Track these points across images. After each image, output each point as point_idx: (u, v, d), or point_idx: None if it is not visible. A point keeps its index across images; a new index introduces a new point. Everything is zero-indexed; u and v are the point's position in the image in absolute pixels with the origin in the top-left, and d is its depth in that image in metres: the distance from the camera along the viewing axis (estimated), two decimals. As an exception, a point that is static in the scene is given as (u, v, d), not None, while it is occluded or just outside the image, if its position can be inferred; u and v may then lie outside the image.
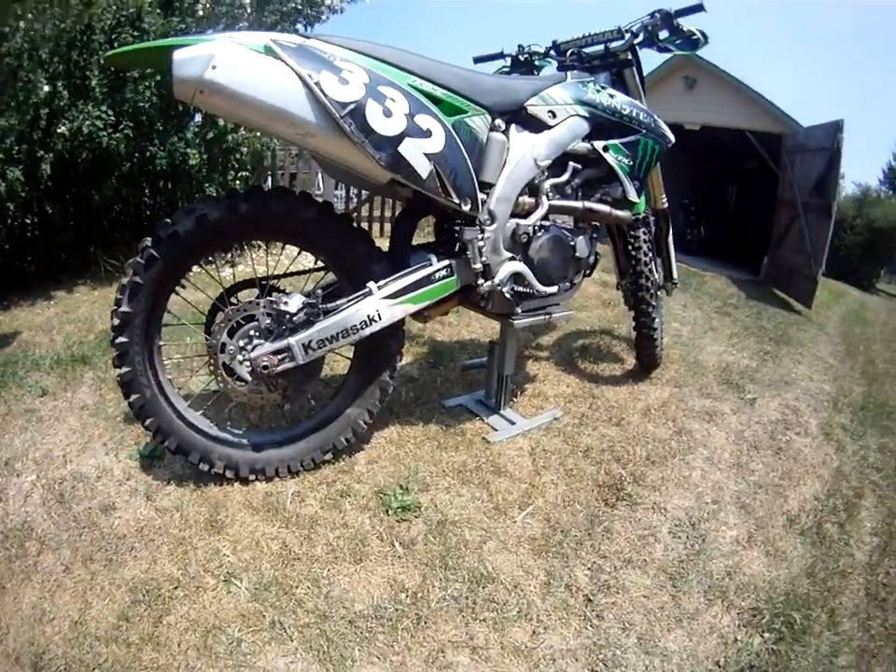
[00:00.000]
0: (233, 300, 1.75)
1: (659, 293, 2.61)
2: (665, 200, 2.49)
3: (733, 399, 2.64)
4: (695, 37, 1.97)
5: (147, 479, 1.69)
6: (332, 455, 1.75)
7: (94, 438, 1.90)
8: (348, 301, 1.61)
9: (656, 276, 2.50)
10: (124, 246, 4.09)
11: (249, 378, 1.60)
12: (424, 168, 1.54)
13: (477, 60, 2.43)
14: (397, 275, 1.65)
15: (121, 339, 1.51)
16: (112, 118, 3.58)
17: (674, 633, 1.34)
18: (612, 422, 2.22)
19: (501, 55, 2.38)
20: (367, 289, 1.61)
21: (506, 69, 2.39)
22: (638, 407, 2.38)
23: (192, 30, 3.99)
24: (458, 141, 1.61)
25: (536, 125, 1.83)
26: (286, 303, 1.56)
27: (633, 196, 1.98)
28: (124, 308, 1.50)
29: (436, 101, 1.60)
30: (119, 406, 2.02)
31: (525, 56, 2.32)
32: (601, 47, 2.10)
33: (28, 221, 3.88)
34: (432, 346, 2.87)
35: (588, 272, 2.16)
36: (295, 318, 1.57)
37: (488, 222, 1.75)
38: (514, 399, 2.31)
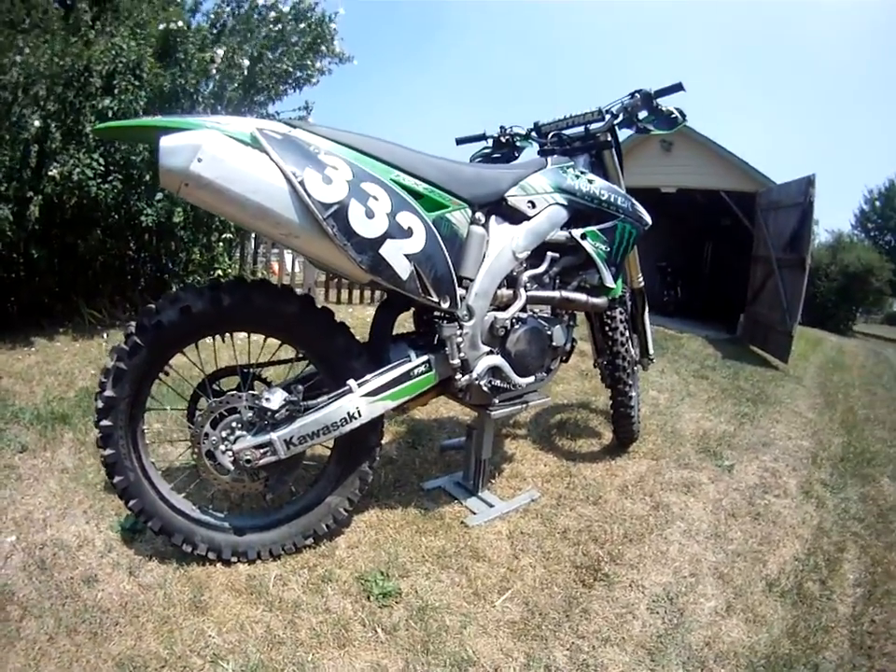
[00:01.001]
0: (215, 386, 1.77)
1: (636, 369, 2.64)
2: (640, 279, 2.53)
3: (710, 467, 2.67)
4: (674, 116, 2.01)
5: (128, 553, 1.67)
6: (313, 540, 1.75)
7: (74, 504, 1.88)
8: (329, 398, 1.61)
9: (633, 354, 2.53)
10: (106, 299, 4.09)
11: (232, 468, 1.61)
12: (404, 270, 1.54)
13: (459, 141, 2.46)
14: (376, 372, 1.66)
15: (106, 422, 1.52)
16: (102, 167, 3.58)
17: (653, 706, 1.34)
18: (590, 501, 2.23)
19: (483, 136, 2.40)
20: (347, 387, 1.61)
21: (488, 150, 2.41)
22: (616, 483, 2.40)
23: (191, 82, 3.94)
24: (438, 238, 1.61)
25: (516, 216, 1.84)
26: (267, 399, 1.56)
27: (609, 282, 1.99)
28: (108, 393, 1.51)
29: (417, 196, 1.60)
30: (98, 473, 2.00)
31: (507, 138, 2.33)
32: (581, 128, 2.10)
33: (14, 260, 3.80)
34: (411, 426, 2.86)
35: (565, 358, 2.18)
36: (276, 415, 1.57)
37: (466, 318, 1.75)
38: (492, 481, 2.31)
